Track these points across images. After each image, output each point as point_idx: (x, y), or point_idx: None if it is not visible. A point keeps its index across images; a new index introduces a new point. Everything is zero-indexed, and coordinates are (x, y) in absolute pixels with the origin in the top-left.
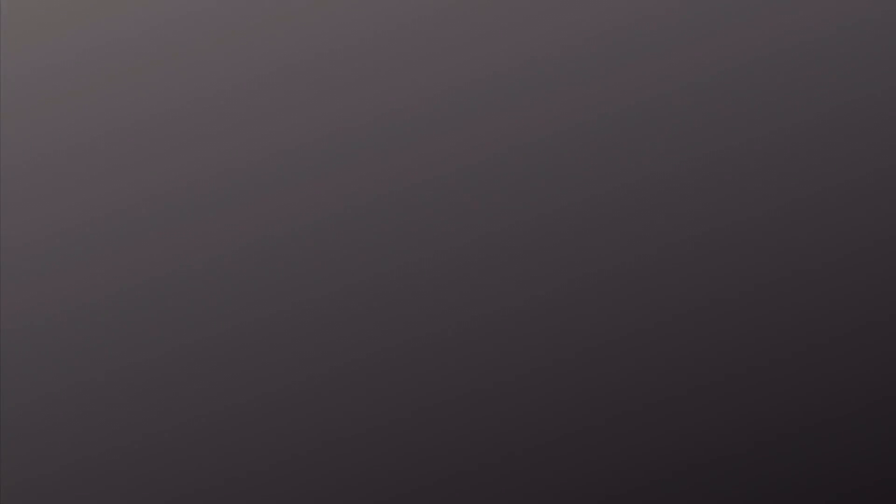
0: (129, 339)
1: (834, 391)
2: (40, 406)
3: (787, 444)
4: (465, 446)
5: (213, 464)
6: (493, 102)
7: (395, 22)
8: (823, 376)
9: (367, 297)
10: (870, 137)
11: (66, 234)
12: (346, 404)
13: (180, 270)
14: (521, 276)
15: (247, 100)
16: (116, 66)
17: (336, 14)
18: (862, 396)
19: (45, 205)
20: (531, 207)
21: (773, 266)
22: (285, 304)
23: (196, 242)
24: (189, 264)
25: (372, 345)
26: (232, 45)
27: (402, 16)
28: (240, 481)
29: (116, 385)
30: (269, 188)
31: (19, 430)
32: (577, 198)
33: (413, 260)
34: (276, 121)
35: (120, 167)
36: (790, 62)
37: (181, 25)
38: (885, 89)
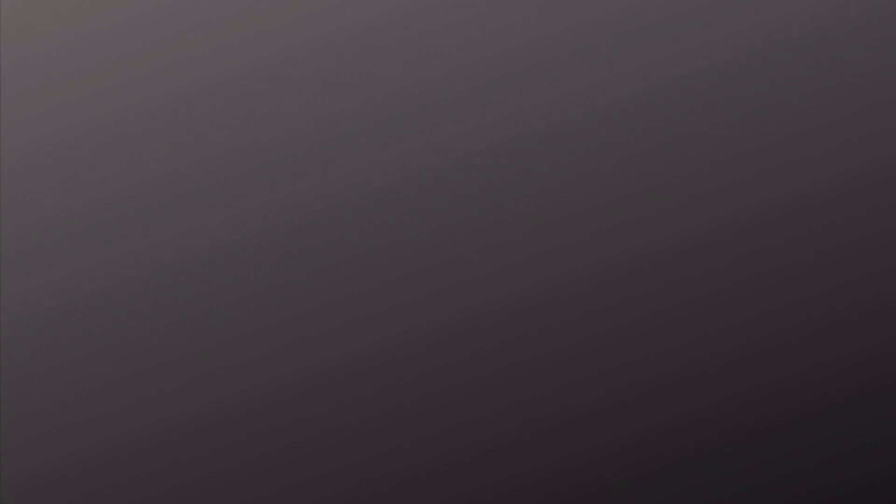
0: (122, 332)
1: (820, 385)
2: (36, 399)
3: (783, 436)
4: (458, 437)
5: (210, 456)
6: (483, 97)
7: (384, 17)
8: (813, 368)
9: (360, 290)
10: (861, 131)
11: (54, 229)
12: (339, 397)
13: (170, 265)
14: (515, 269)
15: (239, 95)
16: (102, 63)
17: (324, 10)
18: (847, 389)
19: (41, 199)
20: (523, 200)
21: (763, 259)
22: (280, 296)
23: (189, 236)
24: (181, 259)
25: (365, 338)
26: (223, 40)
27: (390, 11)
28: (239, 472)
29: (113, 378)
30: (261, 183)
31: (17, 424)
32: (565, 192)
33: (402, 255)
34: (270, 114)
35: (111, 161)
36: (780, 57)
37: (171, 21)
38: (878, 83)
